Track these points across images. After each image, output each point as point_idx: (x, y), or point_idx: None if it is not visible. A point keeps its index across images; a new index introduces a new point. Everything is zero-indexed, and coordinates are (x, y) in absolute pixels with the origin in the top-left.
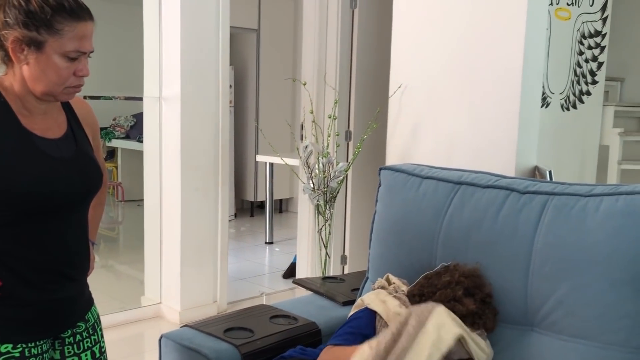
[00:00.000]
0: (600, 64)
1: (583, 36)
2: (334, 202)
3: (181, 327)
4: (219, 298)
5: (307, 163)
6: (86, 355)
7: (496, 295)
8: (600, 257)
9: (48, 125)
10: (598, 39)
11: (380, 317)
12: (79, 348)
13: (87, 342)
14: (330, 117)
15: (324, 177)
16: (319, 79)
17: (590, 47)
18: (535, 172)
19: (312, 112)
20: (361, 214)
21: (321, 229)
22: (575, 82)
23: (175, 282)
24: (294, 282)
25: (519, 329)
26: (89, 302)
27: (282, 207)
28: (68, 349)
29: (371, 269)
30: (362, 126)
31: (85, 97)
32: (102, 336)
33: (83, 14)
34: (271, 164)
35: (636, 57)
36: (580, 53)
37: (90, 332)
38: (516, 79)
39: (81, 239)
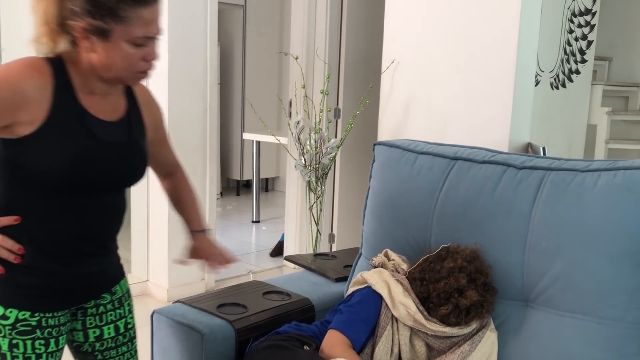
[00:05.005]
0: (589, 43)
1: (573, 14)
2: (326, 178)
3: (173, 303)
4: (206, 276)
5: (298, 139)
6: (109, 328)
7: (493, 272)
8: (598, 232)
9: (105, 107)
10: (588, 17)
11: (386, 303)
12: (101, 320)
13: (110, 315)
14: (322, 92)
15: (316, 154)
16: (308, 55)
17: (580, 26)
18: (528, 149)
19: (303, 87)
20: (350, 192)
21: (312, 205)
22: (564, 61)
23: (163, 259)
24: (285, 258)
25: (515, 305)
26: (118, 275)
27: (268, 186)
28: (90, 320)
29: (365, 245)
30: (351, 104)
31: None
32: (129, 312)
33: None
34: (258, 142)
35: (624, 36)
36: (571, 31)
37: (116, 305)
38: (511, 55)
39: (110, 220)
